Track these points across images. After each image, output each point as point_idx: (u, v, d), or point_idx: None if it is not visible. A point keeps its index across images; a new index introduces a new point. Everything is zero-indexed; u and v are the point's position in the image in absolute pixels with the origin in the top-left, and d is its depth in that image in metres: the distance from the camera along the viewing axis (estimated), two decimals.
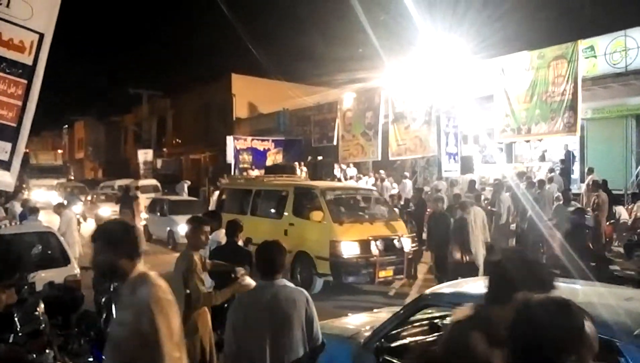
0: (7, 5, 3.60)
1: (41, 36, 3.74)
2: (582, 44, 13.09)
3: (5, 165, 3.66)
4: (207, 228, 4.12)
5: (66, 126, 54.62)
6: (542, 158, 16.27)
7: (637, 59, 13.04)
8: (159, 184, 24.45)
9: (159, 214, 15.86)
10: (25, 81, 3.72)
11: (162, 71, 76.04)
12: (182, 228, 12.13)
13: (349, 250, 8.64)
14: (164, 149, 37.59)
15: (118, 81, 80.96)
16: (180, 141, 36.89)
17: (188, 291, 3.89)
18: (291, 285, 3.19)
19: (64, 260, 6.99)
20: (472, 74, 15.27)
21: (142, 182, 25.16)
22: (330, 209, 9.13)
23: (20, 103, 3.72)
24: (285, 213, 9.87)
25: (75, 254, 8.08)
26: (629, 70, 13.09)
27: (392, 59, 17.10)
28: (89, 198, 22.87)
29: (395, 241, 9.11)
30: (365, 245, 8.73)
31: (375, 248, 8.76)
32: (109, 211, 18.65)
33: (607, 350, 2.41)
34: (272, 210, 10.59)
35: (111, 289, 5.33)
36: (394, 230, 9.33)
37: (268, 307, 3.01)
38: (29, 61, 3.69)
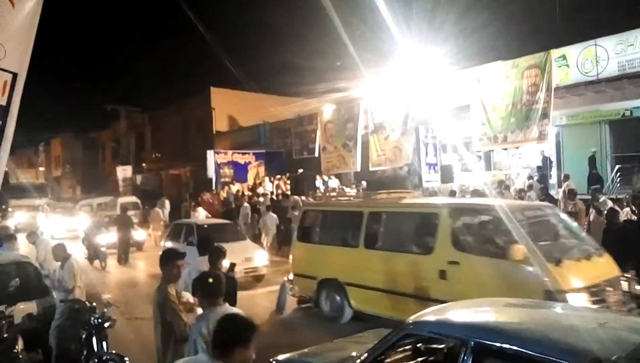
0: None
1: (15, 76, 3.69)
2: (555, 53, 13.38)
3: None
4: (180, 261, 4.29)
5: (42, 143, 53.77)
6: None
7: (608, 67, 13.38)
8: (139, 202, 24.16)
9: (184, 243, 12.00)
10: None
11: (140, 86, 75.42)
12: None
13: (581, 303, 5.67)
14: (143, 165, 37.26)
15: (95, 97, 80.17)
16: (159, 156, 36.60)
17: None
18: (231, 307, 3.69)
19: (43, 290, 6.86)
20: (449, 85, 15.49)
21: (122, 199, 24.83)
22: (534, 241, 6.12)
23: None
24: (439, 247, 6.80)
25: None
26: (601, 78, 13.42)
27: (370, 70, 17.24)
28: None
29: (623, 283, 6.46)
30: (599, 293, 5.88)
31: (611, 295, 6.04)
32: (114, 237, 16.47)
33: None
34: (409, 242, 7.51)
35: (92, 322, 5.25)
36: (613, 266, 6.53)
37: None
38: (2, 101, 3.63)
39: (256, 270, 11.76)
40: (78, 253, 17.88)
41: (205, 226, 13.21)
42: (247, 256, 11.61)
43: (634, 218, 9.72)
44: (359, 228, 7.85)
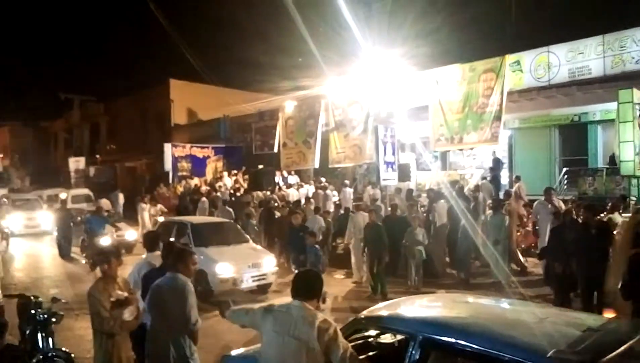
0: None
1: None
2: (509, 58, 13.82)
3: None
4: (113, 258, 4.55)
5: None
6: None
7: (559, 74, 13.95)
8: (91, 194, 23.33)
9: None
10: None
11: (96, 75, 72.75)
12: (223, 269, 9.49)
13: None
14: (98, 156, 36.09)
15: (47, 85, 76.84)
16: (115, 148, 35.53)
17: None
18: (182, 277, 4.26)
19: None
20: (408, 85, 15.75)
21: (74, 192, 23.91)
22: None
23: None
24: None
25: None
26: (552, 84, 13.97)
27: (332, 69, 17.35)
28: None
29: None
30: None
31: None
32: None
33: None
34: None
35: (37, 318, 5.06)
36: None
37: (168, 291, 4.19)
38: None
39: (265, 278, 10.15)
40: (47, 252, 16.40)
41: (203, 225, 11.18)
42: (254, 261, 10.09)
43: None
44: None
